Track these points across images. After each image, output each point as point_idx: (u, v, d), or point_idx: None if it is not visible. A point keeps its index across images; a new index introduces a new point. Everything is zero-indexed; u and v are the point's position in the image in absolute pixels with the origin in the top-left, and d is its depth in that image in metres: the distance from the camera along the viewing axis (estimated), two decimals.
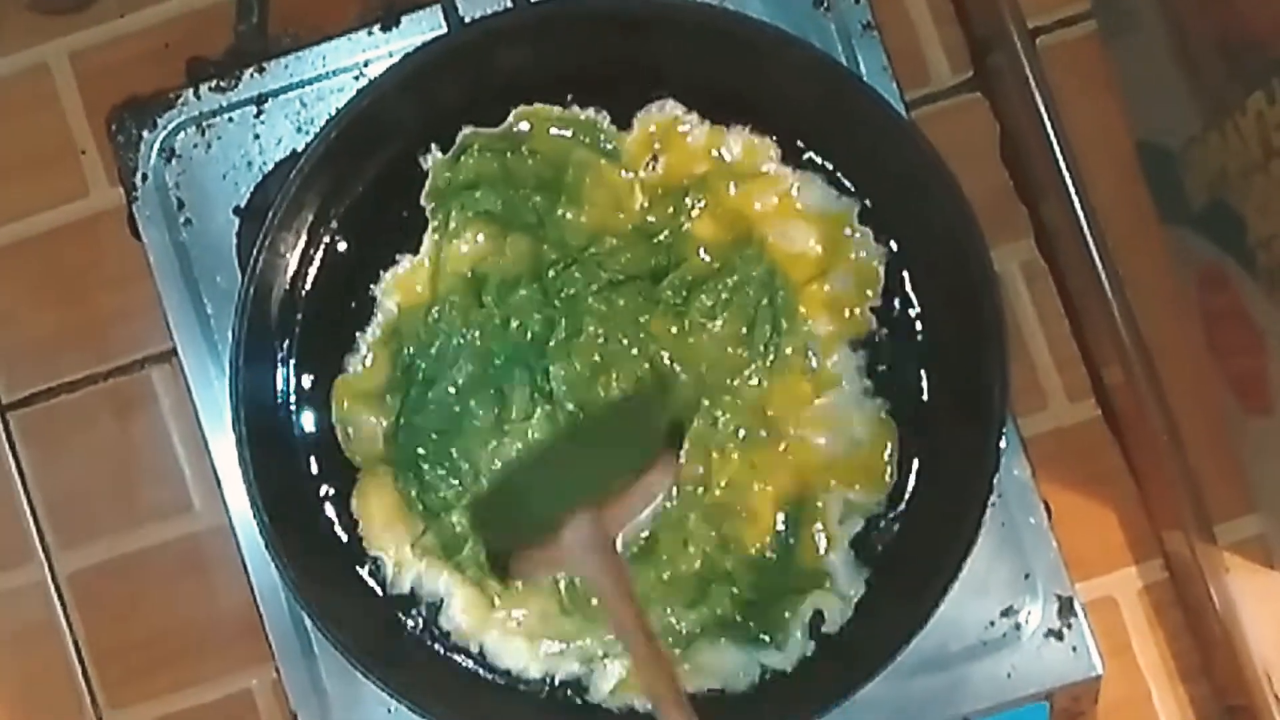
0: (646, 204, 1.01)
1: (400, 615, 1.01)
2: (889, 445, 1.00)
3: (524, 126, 1.02)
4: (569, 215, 1.01)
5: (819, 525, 1.00)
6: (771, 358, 1.00)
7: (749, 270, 1.00)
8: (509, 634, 1.00)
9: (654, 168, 1.01)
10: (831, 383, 1.01)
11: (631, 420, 0.99)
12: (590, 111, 1.02)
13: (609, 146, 1.01)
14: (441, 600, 1.00)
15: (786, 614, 0.99)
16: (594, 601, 0.98)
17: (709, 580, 1.00)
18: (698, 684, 0.99)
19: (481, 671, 1.00)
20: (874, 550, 1.00)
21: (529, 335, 1.00)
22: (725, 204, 1.01)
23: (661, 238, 1.01)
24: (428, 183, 1.01)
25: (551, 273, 1.00)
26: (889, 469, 1.00)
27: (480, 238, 1.01)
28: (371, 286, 1.02)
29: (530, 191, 1.01)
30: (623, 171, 1.01)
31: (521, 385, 1.00)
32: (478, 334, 1.00)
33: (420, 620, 1.01)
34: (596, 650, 1.00)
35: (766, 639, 0.99)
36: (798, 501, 1.00)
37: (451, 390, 1.00)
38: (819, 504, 1.00)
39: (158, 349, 1.09)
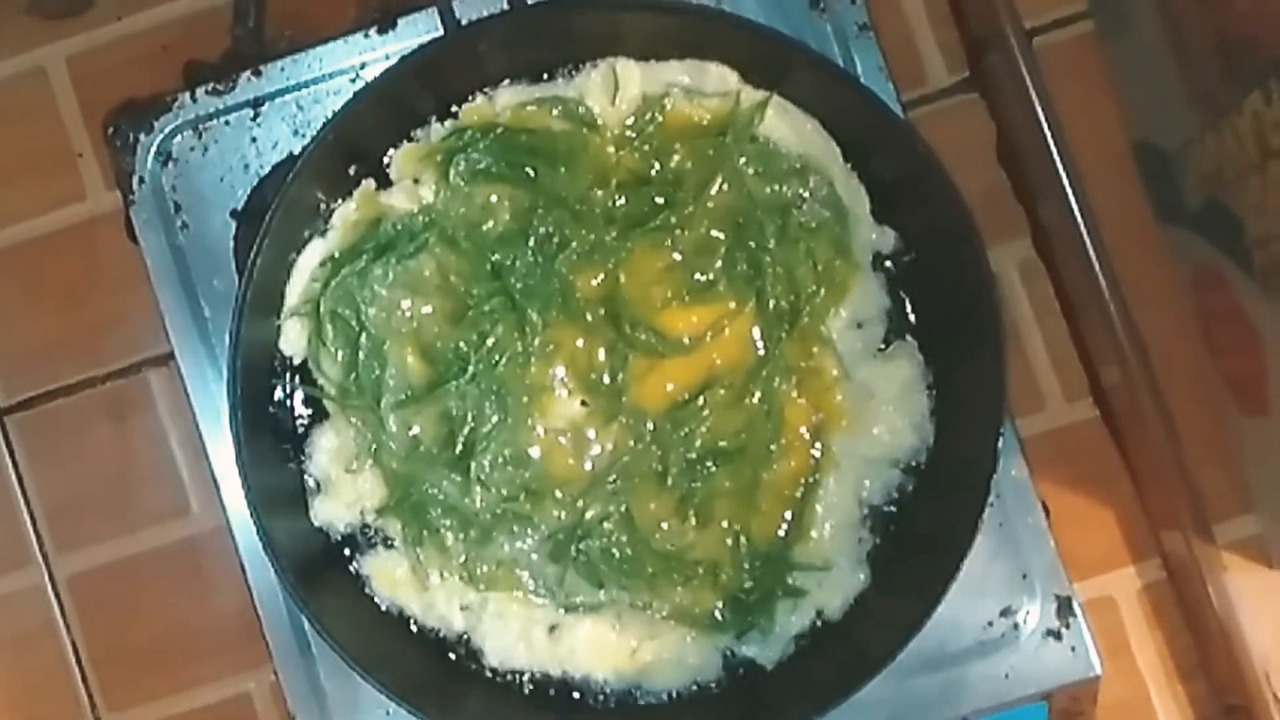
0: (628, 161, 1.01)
1: (402, 616, 1.01)
2: None
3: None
4: (563, 173, 1.00)
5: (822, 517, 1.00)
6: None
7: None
8: (493, 621, 1.00)
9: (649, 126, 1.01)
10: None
11: None
12: (559, 83, 1.02)
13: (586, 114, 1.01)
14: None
15: (776, 608, 0.99)
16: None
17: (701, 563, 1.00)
18: (670, 679, 1.00)
19: (473, 666, 1.00)
20: (872, 549, 1.00)
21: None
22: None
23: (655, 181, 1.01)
24: (420, 147, 1.01)
25: (543, 228, 1.00)
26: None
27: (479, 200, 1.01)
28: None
29: (525, 157, 1.01)
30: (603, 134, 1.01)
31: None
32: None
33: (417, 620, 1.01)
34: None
35: (748, 634, 0.99)
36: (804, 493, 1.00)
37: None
38: (819, 495, 1.00)
39: (155, 352, 1.09)
